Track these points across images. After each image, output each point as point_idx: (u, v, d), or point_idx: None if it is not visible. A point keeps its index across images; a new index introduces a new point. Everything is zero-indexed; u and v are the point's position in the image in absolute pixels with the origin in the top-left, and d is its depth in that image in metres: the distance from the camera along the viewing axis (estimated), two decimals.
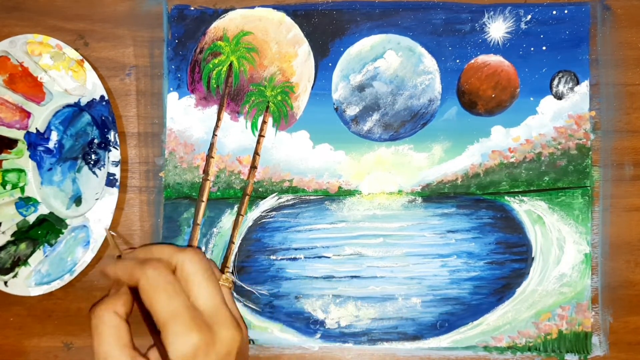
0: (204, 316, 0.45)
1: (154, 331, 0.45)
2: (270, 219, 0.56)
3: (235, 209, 0.56)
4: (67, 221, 0.56)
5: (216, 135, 0.56)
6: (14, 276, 0.55)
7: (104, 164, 0.56)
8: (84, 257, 0.54)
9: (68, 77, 0.56)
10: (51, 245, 0.56)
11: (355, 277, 0.56)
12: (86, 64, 0.55)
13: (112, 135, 0.55)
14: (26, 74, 0.56)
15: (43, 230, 0.56)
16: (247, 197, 0.56)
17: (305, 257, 0.56)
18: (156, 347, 0.45)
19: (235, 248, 0.56)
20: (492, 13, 0.56)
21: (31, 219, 0.56)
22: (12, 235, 0.56)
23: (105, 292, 0.56)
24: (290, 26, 0.56)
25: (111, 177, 0.55)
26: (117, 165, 0.54)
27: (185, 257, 0.46)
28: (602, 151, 0.55)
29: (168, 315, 0.43)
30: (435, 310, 0.55)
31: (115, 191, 0.54)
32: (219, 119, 0.57)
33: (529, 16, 0.55)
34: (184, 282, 0.46)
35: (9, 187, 0.56)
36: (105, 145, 0.56)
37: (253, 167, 0.56)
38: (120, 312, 0.46)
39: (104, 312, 0.45)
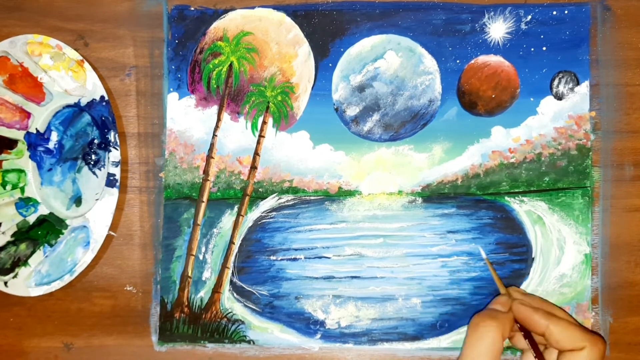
0: None
1: None
2: (271, 220, 0.56)
3: (236, 209, 0.56)
4: (67, 221, 0.56)
5: (216, 135, 0.56)
6: (14, 276, 0.55)
7: (104, 164, 0.56)
8: (84, 258, 0.54)
9: (68, 78, 0.55)
10: (51, 245, 0.56)
11: (355, 277, 0.56)
12: (86, 64, 0.55)
13: (112, 136, 0.55)
14: (26, 74, 0.56)
15: (43, 231, 0.56)
16: (247, 198, 0.56)
17: (305, 258, 0.56)
18: None
19: (235, 248, 0.56)
20: (492, 13, 0.56)
21: (31, 219, 0.56)
22: (12, 236, 0.56)
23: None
24: (290, 26, 0.56)
25: (111, 178, 0.55)
26: (117, 166, 0.54)
27: (594, 346, 0.45)
28: (602, 151, 0.55)
29: None
30: (435, 311, 0.55)
31: (115, 191, 0.54)
32: (219, 119, 0.57)
33: (529, 16, 0.55)
34: None
35: (9, 187, 0.56)
36: (105, 145, 0.56)
37: (253, 167, 0.56)
38: (505, 337, 0.45)
39: (493, 331, 0.45)
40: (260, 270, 0.56)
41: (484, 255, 0.54)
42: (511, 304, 0.47)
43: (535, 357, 0.46)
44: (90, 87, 0.55)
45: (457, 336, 0.55)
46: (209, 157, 0.56)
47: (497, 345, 0.44)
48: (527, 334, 0.47)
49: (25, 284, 0.55)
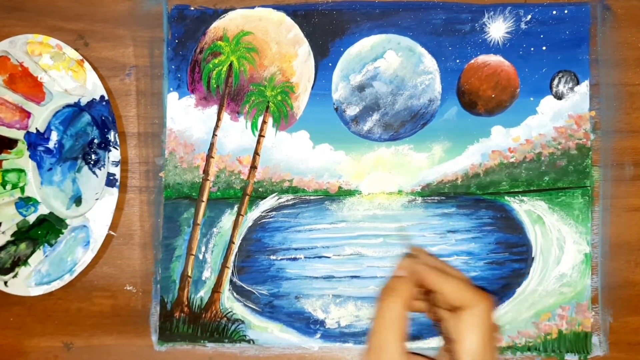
0: None
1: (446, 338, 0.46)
2: (270, 219, 0.56)
3: (235, 209, 0.56)
4: (67, 221, 0.56)
5: (216, 135, 0.56)
6: (14, 276, 0.55)
7: (104, 164, 0.56)
8: (84, 257, 0.54)
9: (68, 77, 0.56)
10: (51, 245, 0.56)
11: (355, 277, 0.56)
12: (86, 64, 0.55)
13: (112, 135, 0.55)
14: (26, 74, 0.56)
15: (43, 230, 0.56)
16: (247, 197, 0.56)
17: (305, 257, 0.56)
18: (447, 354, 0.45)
19: (235, 248, 0.56)
20: (492, 13, 0.56)
21: (31, 219, 0.56)
22: (12, 235, 0.56)
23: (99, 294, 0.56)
24: (290, 26, 0.56)
25: (111, 177, 0.55)
26: (117, 165, 0.54)
27: (480, 301, 0.45)
28: (602, 151, 0.55)
29: (473, 352, 0.44)
30: None
31: (115, 191, 0.54)
32: (219, 119, 0.57)
33: (529, 16, 0.55)
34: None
35: (9, 187, 0.56)
36: (105, 145, 0.56)
37: (253, 167, 0.56)
38: (407, 304, 0.46)
39: (395, 301, 0.45)
40: (260, 270, 0.56)
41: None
42: (410, 266, 0.48)
43: (432, 317, 0.46)
44: (90, 86, 0.55)
45: None
46: (209, 156, 0.56)
47: (399, 314, 0.45)
48: (427, 293, 0.47)
49: (25, 283, 0.55)
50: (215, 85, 0.57)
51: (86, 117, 0.57)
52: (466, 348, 0.44)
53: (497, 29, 0.56)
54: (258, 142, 0.57)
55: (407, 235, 0.54)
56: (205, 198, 0.56)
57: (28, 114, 0.57)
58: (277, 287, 0.56)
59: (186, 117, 0.57)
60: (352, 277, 0.56)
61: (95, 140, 0.57)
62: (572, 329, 0.54)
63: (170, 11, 0.57)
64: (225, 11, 0.57)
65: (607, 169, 0.55)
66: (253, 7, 0.57)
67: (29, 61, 0.55)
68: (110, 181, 0.55)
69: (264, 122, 0.57)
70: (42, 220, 0.56)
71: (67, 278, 0.54)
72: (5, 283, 0.55)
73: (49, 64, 0.55)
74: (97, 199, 0.55)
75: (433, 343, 0.55)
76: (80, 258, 0.54)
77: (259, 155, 0.56)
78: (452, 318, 0.46)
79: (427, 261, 0.49)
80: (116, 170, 0.54)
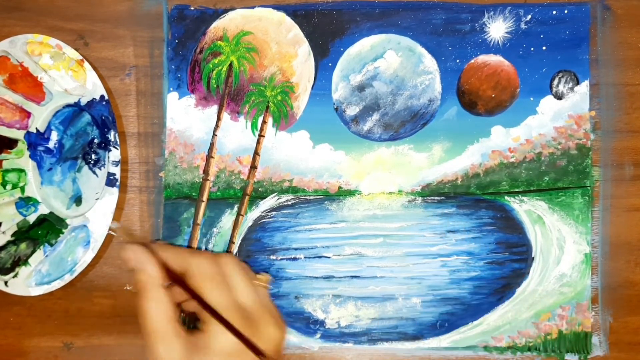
0: (247, 313, 0.46)
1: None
2: (270, 219, 0.56)
3: (235, 209, 0.56)
4: (68, 221, 0.56)
5: (216, 135, 0.57)
6: (15, 276, 0.55)
7: (104, 164, 0.56)
8: (85, 257, 0.54)
9: (68, 77, 0.56)
10: (51, 245, 0.56)
11: (355, 277, 0.56)
12: (86, 64, 0.55)
13: (112, 135, 0.55)
14: (26, 74, 0.56)
15: (43, 230, 0.56)
16: (247, 197, 0.56)
17: (305, 257, 0.56)
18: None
19: (235, 248, 0.56)
20: (492, 13, 0.56)
21: (31, 218, 0.56)
22: (12, 235, 0.56)
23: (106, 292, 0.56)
24: (290, 26, 0.56)
25: (111, 177, 0.55)
26: (117, 165, 0.54)
27: (222, 260, 0.48)
28: (602, 151, 0.55)
29: (216, 307, 0.44)
30: (435, 310, 0.55)
31: (115, 191, 0.54)
32: (219, 119, 0.57)
33: (529, 16, 0.55)
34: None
35: (9, 187, 0.56)
36: (105, 145, 0.56)
37: (253, 167, 0.56)
38: (163, 283, 0.46)
39: (148, 288, 0.46)
40: (260, 270, 0.56)
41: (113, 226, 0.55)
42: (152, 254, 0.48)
43: (194, 299, 0.46)
44: (90, 86, 0.55)
45: (457, 336, 0.55)
46: (209, 156, 0.56)
47: (162, 300, 0.45)
48: (178, 281, 0.47)
49: (26, 283, 0.55)
50: (215, 85, 0.57)
51: (86, 117, 0.57)
52: (212, 303, 0.45)
53: (497, 29, 0.56)
54: (258, 142, 0.57)
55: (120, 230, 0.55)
56: (205, 198, 0.56)
57: (28, 114, 0.57)
58: (277, 287, 0.56)
59: (186, 117, 0.57)
60: (352, 277, 0.56)
61: (96, 140, 0.57)
62: (572, 329, 0.54)
63: (170, 11, 0.57)
64: (225, 11, 0.57)
65: (607, 169, 0.55)
66: (253, 7, 0.57)
67: (29, 61, 0.55)
68: (110, 181, 0.55)
69: (264, 122, 0.57)
70: (42, 220, 0.57)
71: (68, 278, 0.54)
72: (6, 283, 0.55)
73: (49, 63, 0.55)
74: (97, 199, 0.55)
75: (433, 343, 0.55)
76: (81, 258, 0.54)
77: (259, 155, 0.56)
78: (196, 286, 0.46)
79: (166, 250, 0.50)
80: (116, 170, 0.54)
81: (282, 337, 0.48)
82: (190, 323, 0.54)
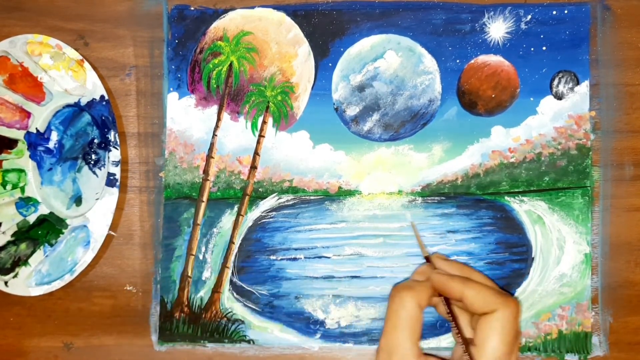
0: None
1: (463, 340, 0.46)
2: (270, 219, 0.56)
3: (235, 209, 0.56)
4: (68, 221, 0.56)
5: (216, 135, 0.57)
6: (15, 276, 0.55)
7: (104, 164, 0.56)
8: (84, 257, 0.54)
9: (68, 77, 0.56)
10: (51, 245, 0.56)
11: (355, 277, 0.56)
12: (86, 64, 0.55)
13: (112, 135, 0.55)
14: (26, 74, 0.56)
15: (43, 230, 0.56)
16: (247, 197, 0.56)
17: (305, 257, 0.56)
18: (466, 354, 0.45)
19: (235, 248, 0.56)
20: (492, 13, 0.56)
21: (31, 219, 0.56)
22: (12, 236, 0.56)
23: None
24: (290, 26, 0.56)
25: (111, 177, 0.55)
26: (117, 165, 0.54)
27: (507, 310, 0.45)
28: (602, 151, 0.55)
29: (495, 355, 0.43)
30: (435, 310, 0.55)
31: (115, 191, 0.54)
32: (219, 119, 0.57)
33: (529, 16, 0.55)
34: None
35: (9, 187, 0.56)
36: (105, 145, 0.56)
37: (253, 167, 0.56)
38: (423, 305, 0.46)
39: (410, 300, 0.45)
40: (260, 270, 0.56)
41: (409, 217, 0.55)
42: (430, 273, 0.48)
43: (452, 323, 0.46)
44: (90, 86, 0.55)
45: None
46: (209, 156, 0.56)
47: (414, 314, 0.44)
48: (447, 302, 0.47)
49: (26, 283, 0.55)
50: (215, 85, 0.57)
51: (86, 117, 0.57)
52: (488, 352, 0.43)
53: (497, 29, 0.56)
54: (258, 142, 0.57)
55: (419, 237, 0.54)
56: (205, 198, 0.56)
57: (28, 114, 0.57)
58: (277, 287, 0.56)
59: (186, 117, 0.57)
60: (352, 277, 0.56)
61: (96, 140, 0.57)
62: (572, 329, 0.54)
63: (170, 11, 0.57)
64: (225, 11, 0.57)
65: (607, 169, 0.55)
66: (253, 7, 0.57)
67: (29, 61, 0.55)
68: (110, 181, 0.55)
69: (264, 122, 0.57)
70: (42, 220, 0.57)
71: (68, 278, 0.54)
72: (6, 283, 0.55)
73: (49, 63, 0.55)
74: (97, 199, 0.55)
75: (433, 343, 0.55)
76: (81, 258, 0.54)
77: (259, 155, 0.56)
78: (474, 320, 0.46)
79: (447, 268, 0.49)
80: (116, 170, 0.54)
81: None
82: None
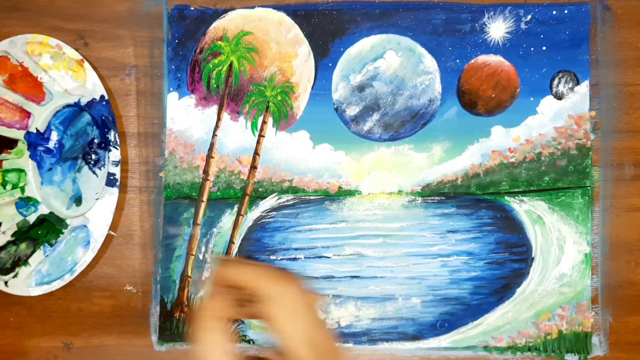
0: (320, 350, 0.45)
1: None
2: (270, 219, 0.56)
3: (235, 209, 0.56)
4: (68, 221, 0.56)
5: (216, 135, 0.56)
6: (15, 276, 0.55)
7: (104, 164, 0.56)
8: (84, 257, 0.54)
9: (68, 77, 0.55)
10: (51, 245, 0.56)
11: (355, 277, 0.56)
12: (86, 64, 0.55)
13: (112, 135, 0.55)
14: (26, 74, 0.56)
15: (43, 230, 0.56)
16: (247, 197, 0.56)
17: (305, 257, 0.56)
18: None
19: (235, 248, 0.56)
20: (492, 13, 0.56)
21: (31, 219, 0.56)
22: (12, 235, 0.56)
23: (105, 292, 0.56)
24: (290, 26, 0.56)
25: (111, 177, 0.55)
26: (117, 165, 0.54)
27: (310, 295, 0.46)
28: (602, 151, 0.55)
29: (294, 339, 0.43)
30: (435, 310, 0.55)
31: (115, 191, 0.54)
32: (219, 119, 0.57)
33: (529, 16, 0.55)
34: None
35: (9, 187, 0.56)
36: (105, 145, 0.56)
37: (253, 167, 0.56)
38: (222, 318, 0.45)
39: (210, 319, 0.45)
40: None
41: None
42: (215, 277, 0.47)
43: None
44: (90, 86, 0.55)
45: (457, 336, 0.55)
46: (209, 156, 0.56)
47: (218, 331, 0.43)
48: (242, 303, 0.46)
49: (26, 283, 0.55)
50: (215, 85, 0.57)
51: (86, 117, 0.57)
52: (288, 336, 0.43)
53: (497, 29, 0.56)
54: (258, 142, 0.57)
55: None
56: (205, 198, 0.56)
57: (28, 114, 0.57)
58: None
59: (186, 117, 0.57)
60: (352, 277, 0.56)
61: (96, 140, 0.57)
62: (572, 329, 0.54)
63: (170, 11, 0.57)
64: (225, 11, 0.57)
65: (607, 169, 0.55)
66: (253, 7, 0.57)
67: (29, 61, 0.55)
68: (110, 181, 0.55)
69: (264, 122, 0.57)
70: (42, 220, 0.57)
71: (68, 278, 0.54)
72: (6, 283, 0.55)
73: (49, 63, 0.55)
74: (97, 199, 0.55)
75: (433, 343, 0.55)
76: (81, 258, 0.54)
77: (259, 155, 0.56)
78: (266, 312, 0.45)
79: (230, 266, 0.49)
80: (116, 170, 0.54)
81: None
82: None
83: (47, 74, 0.56)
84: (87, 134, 0.57)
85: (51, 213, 0.57)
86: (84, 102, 0.55)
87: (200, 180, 0.56)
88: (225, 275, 0.46)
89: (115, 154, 0.55)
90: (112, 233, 0.56)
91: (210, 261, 0.55)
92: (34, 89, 0.56)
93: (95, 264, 0.56)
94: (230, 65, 0.57)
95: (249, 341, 0.55)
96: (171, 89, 0.57)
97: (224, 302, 0.46)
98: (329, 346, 0.45)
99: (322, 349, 0.45)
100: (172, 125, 0.57)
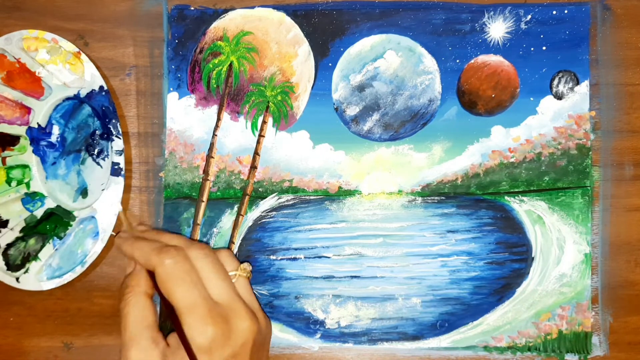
0: (220, 308, 0.45)
1: (173, 314, 0.45)
2: (270, 219, 0.56)
3: (235, 209, 0.56)
4: (75, 213, 0.56)
5: (216, 135, 0.57)
6: (25, 272, 0.55)
7: (108, 154, 0.56)
8: (94, 248, 0.54)
9: (66, 70, 0.55)
10: (60, 238, 0.56)
11: (355, 277, 0.56)
12: (83, 56, 0.55)
13: (113, 125, 0.55)
14: (24, 70, 0.55)
15: (51, 224, 0.56)
16: (247, 197, 0.56)
17: (305, 257, 0.56)
18: (176, 330, 0.45)
19: (235, 248, 0.56)
20: (492, 13, 0.56)
21: (38, 213, 0.56)
22: (20, 231, 0.56)
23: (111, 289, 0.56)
24: (290, 26, 0.56)
25: (116, 167, 0.54)
26: (120, 155, 0.54)
27: (192, 254, 0.47)
28: (602, 151, 0.55)
29: (185, 306, 0.44)
30: (435, 310, 0.55)
31: (121, 180, 0.54)
32: (219, 119, 0.57)
33: (529, 16, 0.55)
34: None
35: (14, 183, 0.56)
36: (107, 135, 0.55)
37: (253, 167, 0.56)
38: (147, 291, 0.46)
39: (131, 294, 0.46)
40: (259, 270, 0.56)
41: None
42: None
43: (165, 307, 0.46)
44: (89, 78, 0.55)
45: (457, 336, 0.55)
46: (209, 156, 0.56)
47: (143, 306, 0.45)
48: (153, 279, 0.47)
49: (37, 278, 0.55)
50: (215, 85, 0.57)
51: (87, 109, 0.57)
52: (176, 302, 0.44)
53: (497, 29, 0.56)
54: (258, 142, 0.57)
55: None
56: (205, 198, 0.56)
57: (28, 110, 0.57)
58: (277, 287, 0.56)
59: (186, 117, 0.57)
60: (352, 277, 0.56)
61: (97, 131, 0.57)
62: (572, 329, 0.54)
63: (170, 11, 0.57)
64: (225, 11, 0.57)
65: (607, 169, 0.55)
66: (253, 7, 0.57)
67: (26, 57, 0.55)
68: (115, 170, 0.54)
69: (264, 122, 0.57)
70: (49, 214, 0.56)
71: (79, 270, 0.54)
72: (17, 279, 0.55)
73: (46, 58, 0.55)
74: (103, 190, 0.55)
75: (433, 343, 0.55)
76: (91, 249, 0.54)
77: (259, 155, 0.56)
78: (159, 282, 0.45)
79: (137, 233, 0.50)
80: (120, 159, 0.54)
81: (256, 331, 0.46)
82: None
83: (44, 69, 0.56)
84: (89, 125, 0.57)
85: (58, 206, 0.57)
86: (83, 94, 0.55)
87: (200, 180, 0.56)
88: (124, 253, 0.47)
89: (118, 144, 0.54)
90: (113, 233, 0.56)
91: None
92: (33, 84, 0.56)
93: (105, 254, 0.56)
94: (230, 65, 0.57)
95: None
96: (171, 89, 0.57)
97: (140, 278, 0.46)
98: (228, 304, 0.45)
99: (219, 308, 0.45)
100: (172, 125, 0.57)
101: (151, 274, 0.46)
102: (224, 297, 0.46)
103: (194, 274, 0.45)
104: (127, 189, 0.57)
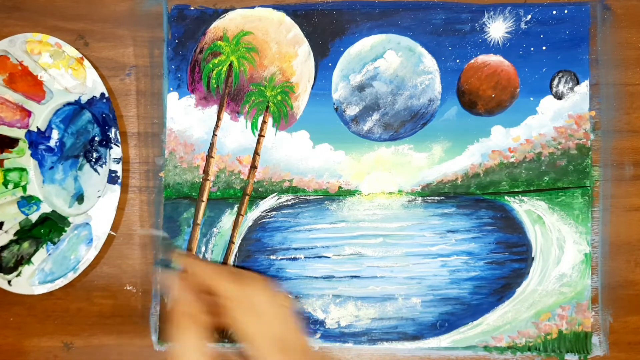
0: (283, 343, 0.45)
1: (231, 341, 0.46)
2: (270, 219, 0.56)
3: (235, 209, 0.56)
4: (70, 219, 0.56)
5: (216, 135, 0.57)
6: (18, 275, 0.55)
7: (106, 162, 0.56)
8: (87, 255, 0.54)
9: (68, 75, 0.56)
10: (54, 243, 0.56)
11: (355, 277, 0.56)
12: (86, 62, 0.55)
13: (112, 133, 0.55)
14: (26, 73, 0.56)
15: (46, 229, 0.56)
16: (247, 197, 0.56)
17: (305, 257, 0.56)
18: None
19: (235, 248, 0.56)
20: (492, 13, 0.56)
21: (34, 217, 0.57)
22: (15, 234, 0.56)
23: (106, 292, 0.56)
24: (290, 26, 0.56)
25: (113, 174, 0.55)
26: (118, 163, 0.54)
27: (249, 289, 0.47)
28: (602, 151, 0.55)
29: (260, 338, 0.44)
30: (435, 310, 0.55)
31: (117, 188, 0.54)
32: (219, 119, 0.57)
33: (529, 16, 0.55)
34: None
35: (10, 186, 0.56)
36: (106, 142, 0.56)
37: (253, 167, 0.56)
38: (200, 323, 0.46)
39: (188, 320, 0.46)
40: (260, 270, 0.56)
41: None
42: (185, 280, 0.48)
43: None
44: (90, 84, 0.55)
45: (457, 336, 0.55)
46: (209, 156, 0.56)
47: (197, 336, 0.45)
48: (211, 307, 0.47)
49: (29, 282, 0.55)
50: (215, 85, 0.57)
51: (87, 115, 0.57)
52: (250, 337, 0.44)
53: (497, 29, 0.56)
54: (258, 142, 0.57)
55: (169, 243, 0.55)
56: (205, 198, 0.56)
57: (29, 113, 0.57)
58: (277, 287, 0.56)
59: (186, 117, 0.57)
60: (352, 277, 0.56)
61: (96, 138, 0.57)
62: (572, 329, 0.54)
63: (170, 11, 0.57)
64: (225, 11, 0.57)
65: (607, 169, 0.55)
66: (253, 7, 0.57)
67: (29, 60, 0.55)
68: (112, 178, 0.55)
69: (264, 122, 0.57)
70: (44, 218, 0.57)
71: (71, 276, 0.54)
72: (9, 282, 0.55)
73: (49, 62, 0.55)
74: (99, 197, 0.55)
75: (433, 343, 0.55)
76: (84, 256, 0.54)
77: (259, 155, 0.56)
78: (229, 314, 0.46)
79: (196, 266, 0.50)
80: (118, 168, 0.54)
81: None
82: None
83: (47, 73, 0.56)
84: (88, 131, 0.57)
85: (53, 211, 0.57)
86: (84, 100, 0.55)
87: (200, 180, 0.56)
88: (190, 273, 0.47)
89: (116, 152, 0.55)
90: (113, 233, 0.56)
91: (163, 245, 0.55)
92: (34, 88, 0.56)
93: (95, 264, 0.56)
94: (230, 65, 0.57)
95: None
96: (171, 89, 0.57)
97: (196, 304, 0.46)
98: (297, 346, 0.46)
99: (289, 349, 0.45)
100: (172, 125, 0.57)
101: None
102: (289, 338, 0.46)
103: (255, 307, 0.47)
104: (126, 189, 0.57)
